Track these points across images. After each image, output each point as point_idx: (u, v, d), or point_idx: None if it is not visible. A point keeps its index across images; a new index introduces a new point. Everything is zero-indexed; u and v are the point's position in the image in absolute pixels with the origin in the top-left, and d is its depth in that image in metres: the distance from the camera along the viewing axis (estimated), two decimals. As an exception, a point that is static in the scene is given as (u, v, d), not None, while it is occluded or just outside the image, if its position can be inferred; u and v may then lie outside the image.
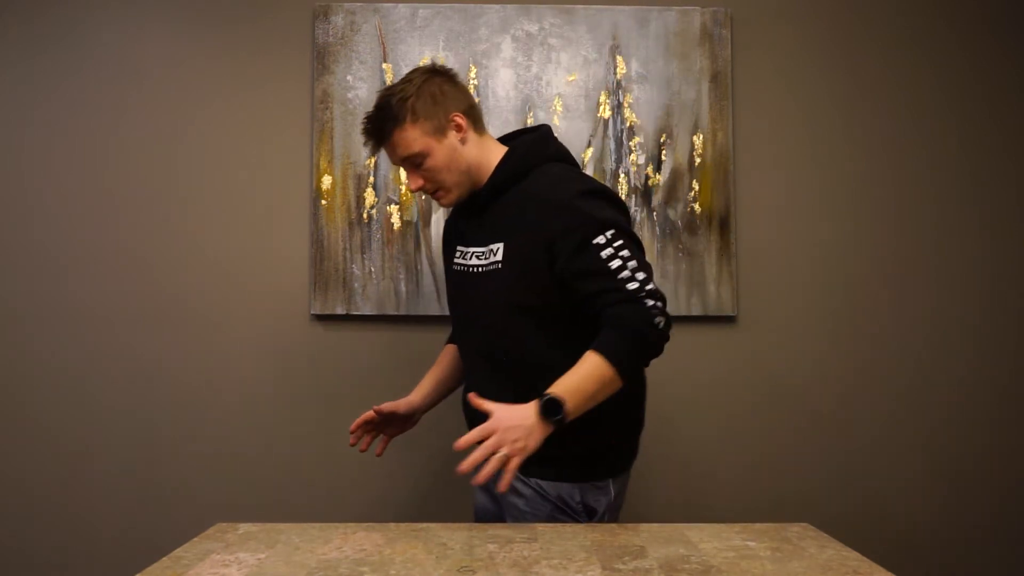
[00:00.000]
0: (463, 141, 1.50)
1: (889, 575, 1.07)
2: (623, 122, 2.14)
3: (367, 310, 2.11)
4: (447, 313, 2.10)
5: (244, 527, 1.32)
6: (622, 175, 2.13)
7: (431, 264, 2.11)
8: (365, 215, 2.12)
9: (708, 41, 2.15)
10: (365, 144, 1.56)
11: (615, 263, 1.37)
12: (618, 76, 2.15)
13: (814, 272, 2.16)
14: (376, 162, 2.13)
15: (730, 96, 2.15)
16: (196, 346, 2.11)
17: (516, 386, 1.42)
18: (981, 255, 2.17)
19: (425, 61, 2.14)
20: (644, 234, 2.12)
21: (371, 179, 2.12)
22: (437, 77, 1.52)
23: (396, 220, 2.12)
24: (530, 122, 2.13)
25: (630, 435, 1.54)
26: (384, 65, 2.14)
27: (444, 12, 2.15)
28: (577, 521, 1.44)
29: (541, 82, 2.14)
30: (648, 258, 2.09)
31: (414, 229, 2.12)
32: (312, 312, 2.11)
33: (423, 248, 2.12)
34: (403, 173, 2.10)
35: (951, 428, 2.15)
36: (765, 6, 2.19)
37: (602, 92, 2.14)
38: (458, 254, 1.57)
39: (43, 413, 2.09)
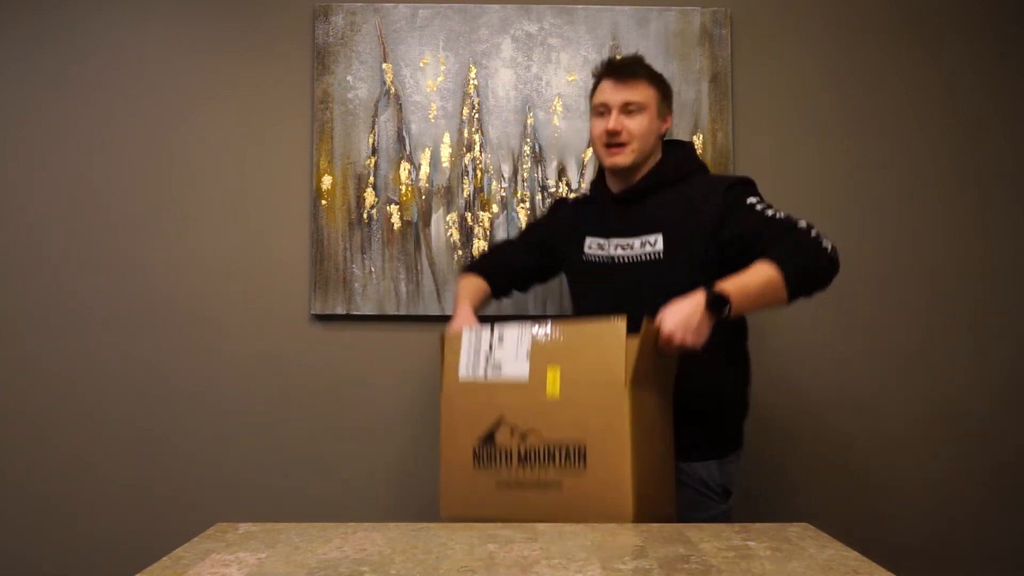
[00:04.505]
0: (661, 133, 1.69)
1: (889, 575, 1.07)
2: (623, 122, 2.14)
3: (367, 310, 2.11)
4: (447, 313, 2.11)
5: (244, 527, 1.32)
6: (622, 175, 2.13)
7: (431, 264, 2.12)
8: (365, 215, 2.12)
9: (708, 41, 2.15)
10: (602, 74, 1.67)
11: (770, 212, 1.55)
12: (618, 76, 2.14)
13: (814, 272, 2.15)
14: (376, 162, 2.13)
15: (730, 96, 2.15)
16: (196, 346, 2.11)
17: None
18: (982, 253, 2.17)
19: (425, 61, 2.14)
20: (644, 234, 2.12)
21: (371, 179, 2.12)
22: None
23: (396, 220, 2.12)
24: (530, 123, 2.14)
25: (742, 415, 1.70)
26: (384, 65, 2.14)
27: (444, 12, 2.15)
28: (716, 503, 1.61)
29: (541, 82, 2.14)
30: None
31: (414, 229, 2.12)
32: (312, 312, 2.11)
33: (423, 248, 2.12)
34: (404, 171, 2.11)
35: (951, 427, 2.15)
36: (765, 6, 2.19)
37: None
38: (591, 245, 1.69)
39: (43, 414, 2.10)
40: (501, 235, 2.12)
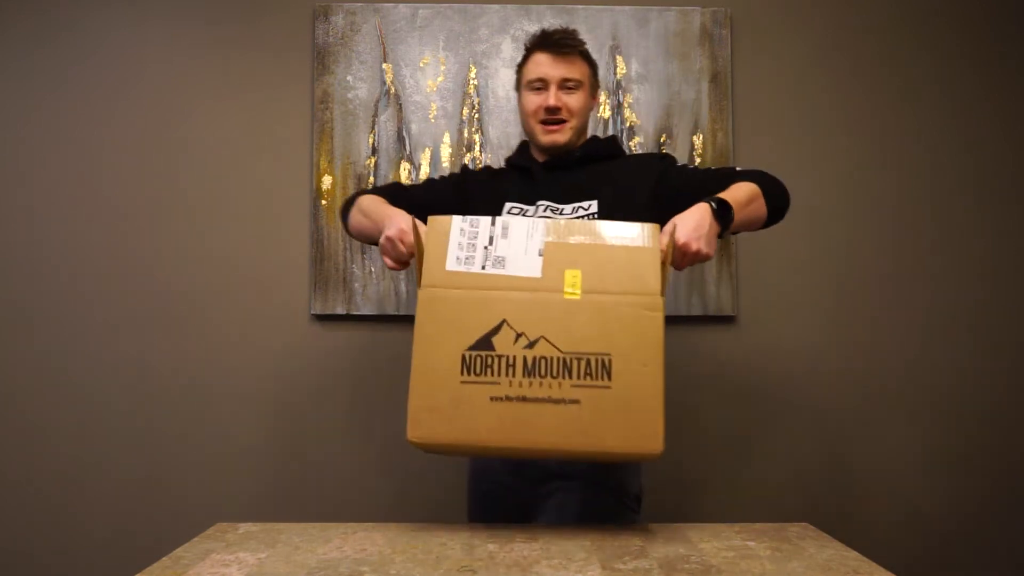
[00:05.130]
0: (591, 109, 1.66)
1: (889, 575, 1.07)
2: (623, 122, 2.14)
3: (367, 310, 2.11)
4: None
5: (244, 527, 1.32)
6: (622, 175, 2.13)
7: (431, 264, 2.11)
8: (365, 215, 2.12)
9: (708, 41, 2.15)
10: (536, 47, 1.59)
11: (706, 167, 1.60)
12: (618, 76, 2.15)
13: (813, 272, 2.16)
14: (376, 162, 2.13)
15: (730, 96, 2.15)
16: (196, 346, 2.11)
17: None
18: (981, 254, 2.17)
19: (425, 61, 2.14)
20: (644, 234, 2.12)
21: (371, 179, 2.12)
22: None
23: (396, 220, 2.12)
24: (530, 122, 2.14)
25: None
26: (384, 65, 2.14)
27: (444, 12, 2.15)
28: (632, 513, 1.52)
29: (541, 82, 2.14)
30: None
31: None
32: (312, 312, 2.11)
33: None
34: (404, 171, 2.11)
35: (951, 427, 2.15)
36: (765, 6, 2.19)
37: (602, 92, 2.14)
38: (510, 210, 1.55)
39: (43, 413, 2.09)
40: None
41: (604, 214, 1.49)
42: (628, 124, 2.14)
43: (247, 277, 2.13)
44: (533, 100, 1.58)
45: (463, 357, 1.20)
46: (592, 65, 1.63)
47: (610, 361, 1.18)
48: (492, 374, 1.19)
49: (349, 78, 2.14)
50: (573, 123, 1.58)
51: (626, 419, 1.17)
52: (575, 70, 1.58)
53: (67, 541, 2.08)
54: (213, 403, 2.11)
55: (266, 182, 2.15)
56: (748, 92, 2.17)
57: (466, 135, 2.13)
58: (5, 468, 2.09)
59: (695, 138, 2.14)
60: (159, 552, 1.24)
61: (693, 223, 1.30)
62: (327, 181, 2.12)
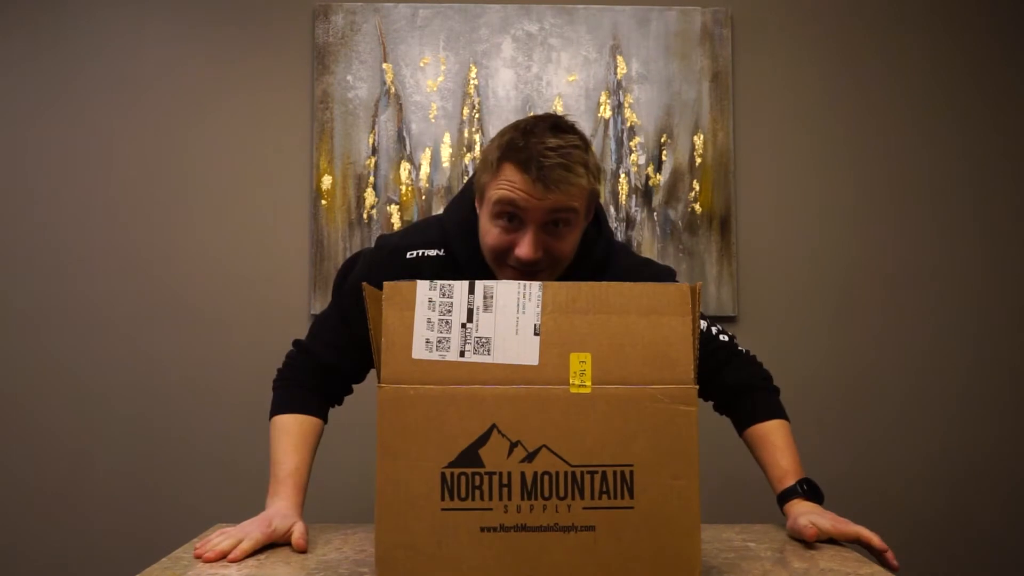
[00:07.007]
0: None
1: (890, 575, 1.06)
2: (624, 122, 2.14)
3: (367, 310, 2.10)
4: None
5: (244, 527, 1.31)
6: (623, 175, 2.13)
7: (431, 264, 2.11)
8: (365, 215, 2.12)
9: (708, 41, 2.15)
10: (513, 159, 1.08)
11: (714, 330, 1.38)
12: (618, 76, 2.15)
13: (814, 272, 2.16)
14: (376, 162, 2.13)
15: (730, 96, 2.15)
16: (196, 345, 2.11)
17: None
18: (980, 254, 2.17)
19: (426, 61, 2.14)
20: (645, 234, 2.12)
21: (371, 179, 2.12)
22: None
23: (396, 220, 2.12)
24: (530, 122, 2.13)
25: None
26: (384, 65, 2.14)
27: (444, 12, 2.15)
28: None
29: (541, 82, 2.14)
30: (648, 258, 2.08)
31: (414, 229, 2.12)
32: (312, 312, 2.10)
33: (423, 248, 2.12)
34: (404, 171, 2.10)
35: (952, 427, 2.14)
36: (765, 6, 2.19)
37: (602, 92, 2.14)
38: None
39: (43, 412, 2.09)
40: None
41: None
42: (628, 124, 2.14)
43: (247, 277, 2.13)
44: (496, 235, 1.11)
45: (443, 476, 0.93)
46: (596, 176, 1.14)
47: (632, 474, 0.94)
48: (481, 497, 0.94)
49: (349, 78, 2.14)
50: (559, 266, 1.15)
51: (654, 548, 0.93)
52: (572, 196, 1.09)
53: (67, 541, 2.07)
54: (213, 403, 2.11)
55: (266, 182, 2.14)
56: (748, 92, 2.17)
57: (466, 135, 2.13)
58: (5, 467, 2.09)
59: (696, 138, 2.13)
60: (159, 552, 1.24)
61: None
62: (327, 181, 2.12)
